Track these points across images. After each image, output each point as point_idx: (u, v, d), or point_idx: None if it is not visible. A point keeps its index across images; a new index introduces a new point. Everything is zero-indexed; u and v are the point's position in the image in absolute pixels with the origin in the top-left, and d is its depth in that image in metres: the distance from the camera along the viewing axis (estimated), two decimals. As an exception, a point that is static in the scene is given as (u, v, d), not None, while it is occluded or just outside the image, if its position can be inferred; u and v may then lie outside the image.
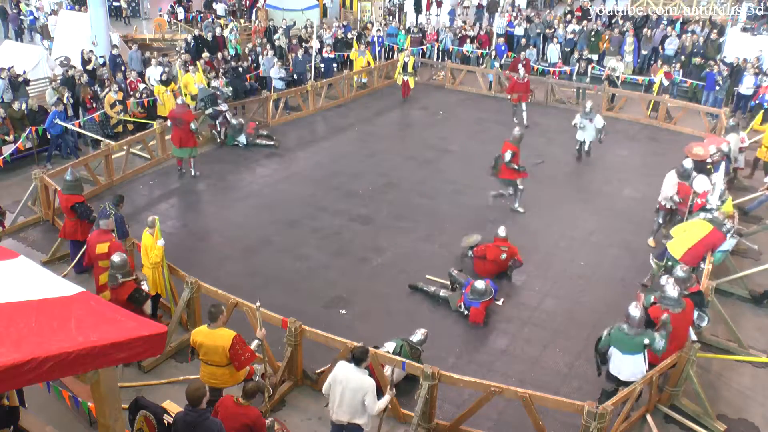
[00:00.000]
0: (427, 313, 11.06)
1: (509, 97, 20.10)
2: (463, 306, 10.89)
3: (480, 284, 10.78)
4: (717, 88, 21.17)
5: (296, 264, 12.43)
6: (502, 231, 11.94)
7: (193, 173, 16.15)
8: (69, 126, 16.47)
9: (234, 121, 17.77)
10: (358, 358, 7.20)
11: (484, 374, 9.36)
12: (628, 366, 8.43)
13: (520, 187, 14.26)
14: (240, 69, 21.04)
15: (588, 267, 12.57)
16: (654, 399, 8.98)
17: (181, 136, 15.61)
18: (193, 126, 15.47)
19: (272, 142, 17.97)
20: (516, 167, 14.01)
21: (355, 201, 15.00)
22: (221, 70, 20.74)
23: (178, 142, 15.67)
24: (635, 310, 8.42)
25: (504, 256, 11.80)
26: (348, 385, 7.19)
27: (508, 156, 13.92)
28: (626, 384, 8.33)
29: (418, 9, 33.65)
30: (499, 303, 11.18)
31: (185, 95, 18.46)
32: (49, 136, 16.33)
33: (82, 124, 17.22)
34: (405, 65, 22.04)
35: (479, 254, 12.03)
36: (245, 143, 17.81)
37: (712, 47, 24.18)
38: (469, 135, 19.45)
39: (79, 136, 17.37)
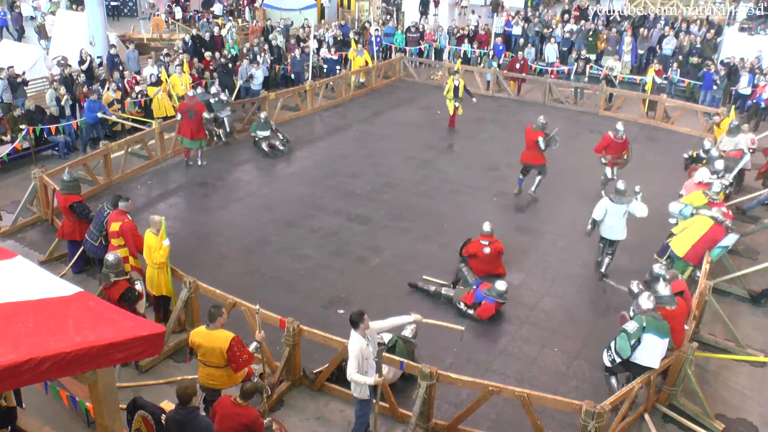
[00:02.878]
0: (425, 312, 10.98)
1: (603, 160, 15.56)
2: (464, 305, 10.86)
3: (502, 285, 10.80)
4: (714, 87, 21.21)
5: (295, 264, 12.43)
6: (486, 226, 11.96)
7: (200, 163, 16.61)
8: (108, 116, 17.29)
9: (262, 115, 17.88)
10: (353, 321, 7.47)
11: (483, 374, 9.38)
12: (663, 350, 8.49)
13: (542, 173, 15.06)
14: (230, 66, 20.99)
15: (586, 266, 12.58)
16: (652, 398, 8.99)
17: (192, 128, 16.10)
18: (207, 115, 16.17)
19: (284, 147, 17.82)
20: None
21: (354, 201, 15.00)
22: (211, 67, 20.82)
23: (190, 133, 16.16)
24: (647, 302, 8.59)
25: (487, 250, 11.80)
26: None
27: (542, 143, 14.55)
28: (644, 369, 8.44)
29: (425, 9, 33.42)
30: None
31: (173, 96, 18.66)
32: (75, 126, 17.17)
33: (79, 123, 17.25)
34: (456, 89, 19.19)
35: (468, 254, 12.08)
36: (266, 136, 17.61)
37: (709, 47, 24.21)
38: (468, 135, 19.45)
39: (77, 136, 17.42)
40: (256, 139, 17.59)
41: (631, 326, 8.44)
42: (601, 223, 11.99)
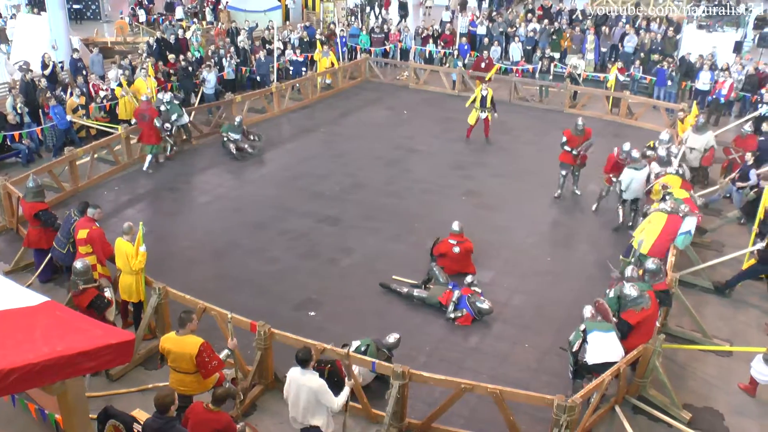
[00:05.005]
0: (397, 312, 11.08)
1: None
2: (452, 308, 10.86)
3: (486, 305, 10.86)
4: (669, 83, 21.53)
5: (265, 267, 12.38)
6: (455, 225, 12.02)
7: (145, 168, 16.37)
8: (80, 120, 17.19)
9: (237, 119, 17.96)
10: (302, 359, 7.19)
11: (455, 372, 9.41)
12: (614, 344, 8.66)
13: (576, 173, 15.33)
14: (190, 69, 20.82)
15: (555, 263, 12.72)
16: (623, 391, 9.12)
17: (143, 132, 16.13)
18: (157, 122, 15.96)
19: (252, 150, 17.68)
20: (571, 151, 14.96)
21: (323, 202, 14.98)
22: (171, 71, 20.67)
23: (143, 137, 16.21)
24: (587, 313, 9.08)
25: (457, 249, 11.87)
26: (300, 388, 7.21)
27: (563, 139, 15.02)
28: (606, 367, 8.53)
29: (403, 12, 33.26)
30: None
31: (137, 100, 18.53)
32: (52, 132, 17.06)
33: (44, 130, 16.98)
34: (483, 99, 18.39)
35: (438, 253, 12.10)
36: (236, 139, 17.48)
37: (669, 44, 24.62)
38: (435, 134, 19.54)
39: (41, 143, 17.16)
40: (225, 140, 17.48)
41: (571, 336, 8.97)
42: (628, 189, 13.32)
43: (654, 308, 9.12)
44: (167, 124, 16.76)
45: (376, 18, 32.63)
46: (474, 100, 18.66)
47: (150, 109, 16.13)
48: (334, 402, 7.22)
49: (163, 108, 16.75)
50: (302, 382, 7.20)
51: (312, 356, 7.23)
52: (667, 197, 11.70)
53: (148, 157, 16.42)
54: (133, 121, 16.94)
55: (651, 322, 9.13)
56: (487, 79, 20.48)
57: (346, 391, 7.41)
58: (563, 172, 15.18)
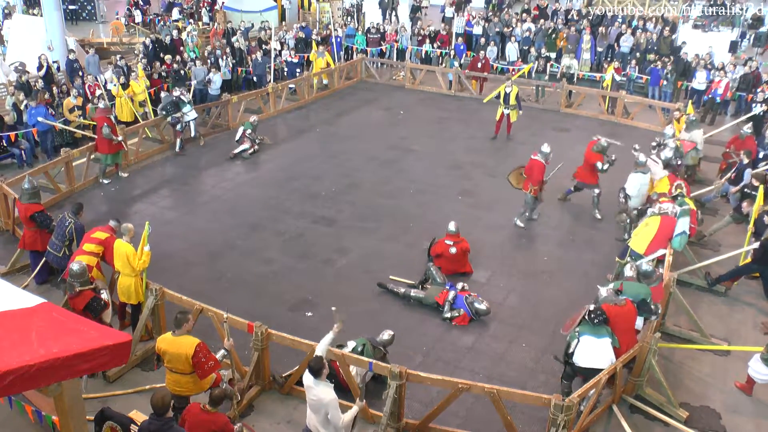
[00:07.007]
0: (393, 312, 11.08)
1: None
2: (448, 307, 10.88)
3: (484, 306, 10.86)
4: (664, 82, 21.57)
5: (261, 267, 12.37)
6: (452, 226, 12.02)
7: (101, 180, 15.82)
8: (54, 123, 16.65)
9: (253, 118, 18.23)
10: (314, 369, 6.96)
11: (452, 372, 9.43)
12: (604, 350, 8.60)
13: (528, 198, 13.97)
14: (182, 72, 20.79)
15: (551, 262, 12.74)
16: (619, 390, 9.13)
17: (97, 143, 15.49)
18: (104, 131, 15.13)
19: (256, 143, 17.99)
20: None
21: (318, 203, 14.98)
22: (162, 74, 20.70)
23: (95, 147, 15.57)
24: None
25: (453, 250, 11.87)
26: (310, 397, 7.08)
27: (601, 166, 14.00)
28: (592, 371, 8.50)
29: (414, 15, 33.11)
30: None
31: (135, 102, 18.80)
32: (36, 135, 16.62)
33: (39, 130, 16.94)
34: (506, 96, 18.52)
35: (435, 253, 12.09)
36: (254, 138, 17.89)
37: (665, 44, 24.67)
38: (430, 134, 19.57)
39: (37, 145, 17.09)
40: (243, 135, 17.67)
41: (568, 336, 8.94)
42: (637, 195, 13.07)
43: (622, 311, 8.99)
44: (177, 116, 17.17)
45: (390, 21, 32.50)
46: (498, 96, 18.87)
47: (99, 117, 15.41)
48: (340, 419, 6.99)
49: (176, 99, 17.12)
50: (315, 393, 7.00)
51: (324, 365, 6.98)
52: (679, 197, 11.72)
53: (102, 169, 15.81)
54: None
55: (627, 321, 9.06)
56: (514, 78, 20.02)
57: (354, 410, 7.29)
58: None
